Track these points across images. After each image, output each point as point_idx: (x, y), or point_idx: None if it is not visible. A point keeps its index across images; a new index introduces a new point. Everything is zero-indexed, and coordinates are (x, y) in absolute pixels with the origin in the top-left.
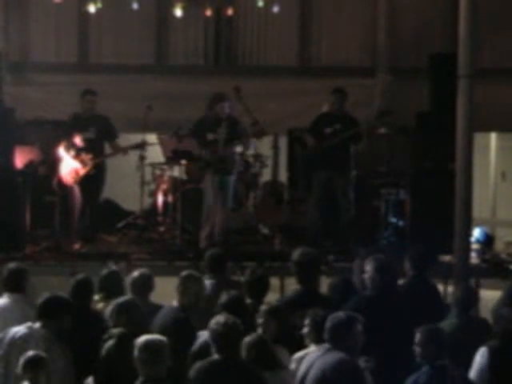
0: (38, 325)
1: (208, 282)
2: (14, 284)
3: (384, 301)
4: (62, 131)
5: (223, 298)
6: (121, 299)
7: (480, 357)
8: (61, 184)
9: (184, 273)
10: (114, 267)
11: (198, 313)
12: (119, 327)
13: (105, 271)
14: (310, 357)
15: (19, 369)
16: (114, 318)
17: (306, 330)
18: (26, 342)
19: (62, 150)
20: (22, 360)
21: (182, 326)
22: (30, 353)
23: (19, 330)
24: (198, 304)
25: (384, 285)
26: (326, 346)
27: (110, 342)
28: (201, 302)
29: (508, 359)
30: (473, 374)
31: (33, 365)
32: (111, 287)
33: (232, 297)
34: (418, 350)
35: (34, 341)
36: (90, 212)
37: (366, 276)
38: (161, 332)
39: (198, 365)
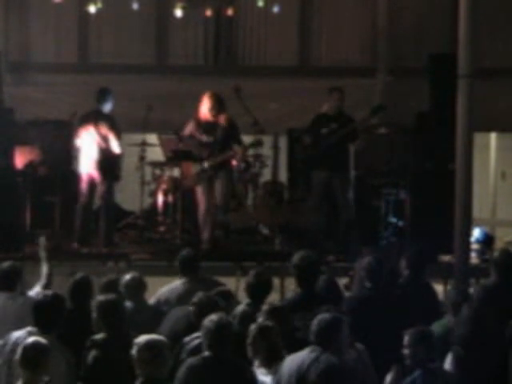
0: (35, 330)
1: (180, 282)
2: (8, 283)
3: (381, 300)
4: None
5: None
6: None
7: (447, 364)
8: None
9: None
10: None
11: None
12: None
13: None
14: (301, 358)
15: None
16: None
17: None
18: None
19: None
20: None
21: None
22: (30, 340)
23: (20, 335)
24: None
25: (381, 284)
26: (317, 348)
27: (94, 352)
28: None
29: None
30: None
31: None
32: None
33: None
34: (406, 351)
35: None
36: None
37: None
38: (171, 337)
39: (188, 361)
